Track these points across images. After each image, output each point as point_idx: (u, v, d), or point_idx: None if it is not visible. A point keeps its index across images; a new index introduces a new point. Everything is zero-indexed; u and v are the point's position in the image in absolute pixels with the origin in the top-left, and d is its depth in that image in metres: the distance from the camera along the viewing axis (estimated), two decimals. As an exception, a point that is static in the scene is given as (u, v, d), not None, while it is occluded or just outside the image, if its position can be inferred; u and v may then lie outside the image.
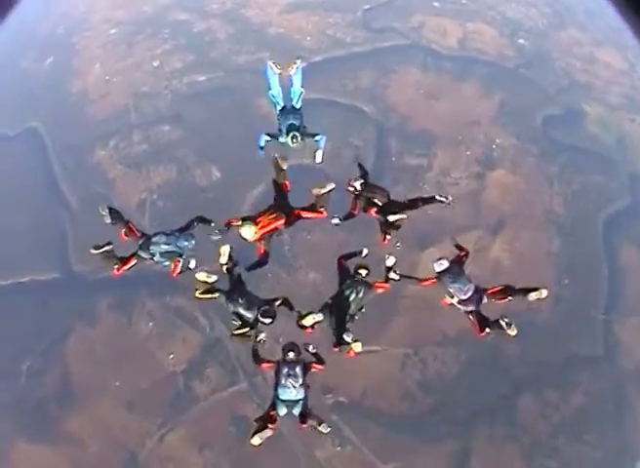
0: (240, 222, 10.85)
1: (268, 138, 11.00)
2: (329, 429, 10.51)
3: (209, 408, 16.32)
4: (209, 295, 10.98)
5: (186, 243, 10.94)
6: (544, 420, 16.70)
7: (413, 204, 11.91)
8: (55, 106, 20.01)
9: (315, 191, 10.92)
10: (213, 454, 16.06)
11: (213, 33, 21.11)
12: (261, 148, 11.03)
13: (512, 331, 10.95)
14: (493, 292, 11.48)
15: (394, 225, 11.47)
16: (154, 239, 11.06)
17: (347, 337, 10.46)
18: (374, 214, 11.55)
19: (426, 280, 11.43)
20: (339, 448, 16.05)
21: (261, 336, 10.71)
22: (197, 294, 10.97)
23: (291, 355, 10.40)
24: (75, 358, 16.75)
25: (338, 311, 10.79)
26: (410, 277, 11.88)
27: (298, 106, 11.54)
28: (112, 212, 10.97)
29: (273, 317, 10.45)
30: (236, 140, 17.10)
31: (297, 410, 10.37)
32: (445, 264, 11.13)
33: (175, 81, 20.03)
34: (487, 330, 11.18)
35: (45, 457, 15.84)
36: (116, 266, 11.28)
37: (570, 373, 17.25)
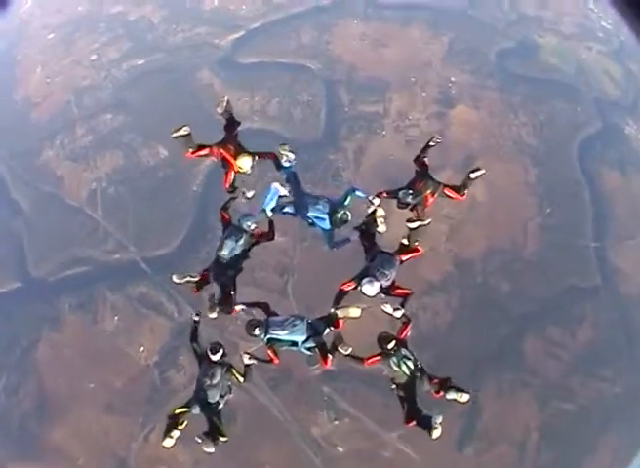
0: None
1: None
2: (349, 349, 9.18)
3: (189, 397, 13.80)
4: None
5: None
6: (554, 361, 14.46)
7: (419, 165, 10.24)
8: (1, 118, 18.16)
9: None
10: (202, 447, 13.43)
11: (147, 18, 19.37)
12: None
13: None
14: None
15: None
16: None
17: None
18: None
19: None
20: (336, 423, 13.79)
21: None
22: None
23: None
24: (47, 367, 14.84)
25: None
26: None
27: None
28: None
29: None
30: (180, 116, 15.09)
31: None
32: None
33: (114, 70, 18.29)
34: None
35: (37, 476, 14.27)
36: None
37: (571, 307, 15.08)
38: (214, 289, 9.84)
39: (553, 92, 17.67)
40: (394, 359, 9.05)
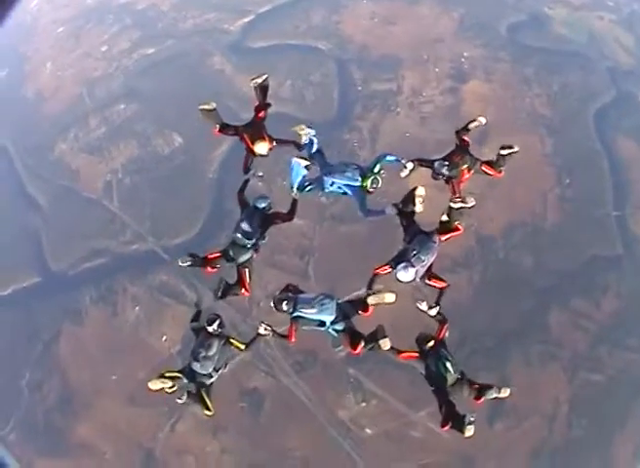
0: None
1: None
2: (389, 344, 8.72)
3: (214, 385, 13.57)
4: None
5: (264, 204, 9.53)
6: (580, 332, 14.16)
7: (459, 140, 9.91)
8: (13, 114, 18.10)
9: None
10: (229, 436, 13.70)
11: (156, 7, 19.31)
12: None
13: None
14: None
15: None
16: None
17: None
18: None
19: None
20: (363, 404, 13.59)
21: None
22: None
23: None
24: (69, 361, 14.71)
25: None
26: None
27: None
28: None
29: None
30: (193, 102, 14.59)
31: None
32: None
33: (124, 60, 18.22)
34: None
35: (66, 471, 14.30)
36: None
37: (594, 278, 14.77)
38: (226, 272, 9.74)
39: (566, 62, 17.35)
40: (432, 360, 8.75)
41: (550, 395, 13.66)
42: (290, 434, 13.36)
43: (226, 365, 9.06)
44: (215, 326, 8.68)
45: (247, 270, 9.43)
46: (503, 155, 9.64)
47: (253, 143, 9.47)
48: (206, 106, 9.33)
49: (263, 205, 9.34)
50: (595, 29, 18.14)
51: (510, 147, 9.60)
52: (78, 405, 14.31)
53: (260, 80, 9.62)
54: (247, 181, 9.96)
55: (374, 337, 8.81)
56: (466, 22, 18.00)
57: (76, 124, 17.32)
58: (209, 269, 9.44)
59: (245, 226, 9.19)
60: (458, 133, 9.91)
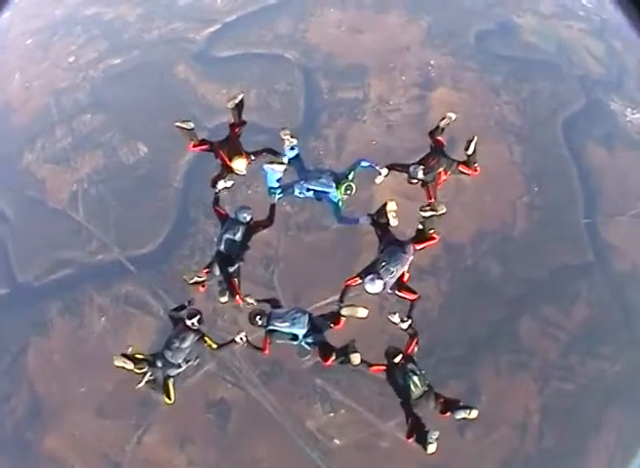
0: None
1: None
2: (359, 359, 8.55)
3: (181, 398, 13.29)
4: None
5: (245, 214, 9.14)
6: (551, 340, 14.04)
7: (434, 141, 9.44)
8: None
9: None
10: (196, 448, 13.57)
11: (123, 18, 19.20)
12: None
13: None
14: None
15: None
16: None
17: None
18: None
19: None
20: (331, 415, 13.42)
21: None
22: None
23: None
24: (37, 373, 14.57)
25: None
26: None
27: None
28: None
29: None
30: (158, 112, 15.56)
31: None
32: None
33: (91, 71, 18.12)
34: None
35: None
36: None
37: (564, 286, 14.65)
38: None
39: (535, 70, 17.29)
40: (400, 373, 8.72)
41: (521, 404, 13.48)
42: (257, 445, 13.19)
43: (197, 358, 8.85)
44: (194, 320, 8.49)
45: (235, 280, 9.44)
46: (470, 154, 9.52)
47: (230, 160, 9.53)
48: (183, 125, 9.08)
49: (248, 217, 9.04)
50: (565, 38, 18.06)
51: (469, 141, 9.44)
52: (47, 417, 14.18)
53: (236, 101, 9.59)
54: (217, 194, 9.93)
55: (344, 352, 8.76)
56: (434, 31, 17.90)
57: (43, 134, 17.21)
58: (200, 288, 9.51)
59: (229, 238, 8.98)
60: (431, 134, 9.77)
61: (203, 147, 9.27)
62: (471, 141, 9.09)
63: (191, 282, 8.95)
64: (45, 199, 16.15)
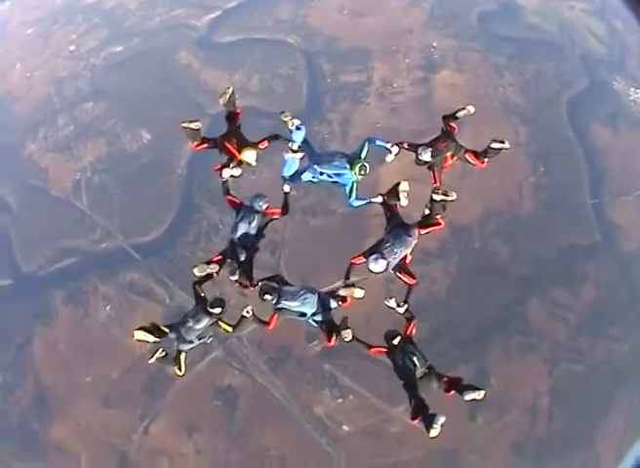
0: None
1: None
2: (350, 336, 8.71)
3: (187, 385, 13.62)
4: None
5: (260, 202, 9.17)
6: (560, 322, 13.86)
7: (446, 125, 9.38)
8: None
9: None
10: (203, 437, 13.43)
11: (124, 6, 19.03)
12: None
13: None
14: None
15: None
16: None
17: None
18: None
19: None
20: (340, 400, 13.27)
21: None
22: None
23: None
24: (43, 363, 14.45)
25: None
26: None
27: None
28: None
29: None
30: (161, 99, 15.35)
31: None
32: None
33: (92, 59, 17.95)
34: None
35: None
36: None
37: (572, 267, 14.48)
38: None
39: (538, 51, 17.10)
40: (400, 354, 8.58)
41: (531, 386, 13.36)
42: (265, 432, 13.07)
43: (211, 336, 8.93)
44: (216, 311, 8.54)
45: (249, 269, 9.22)
46: (493, 148, 9.38)
47: (239, 152, 9.20)
48: (191, 126, 8.88)
49: (264, 205, 9.01)
50: (566, 18, 17.89)
51: (502, 142, 9.31)
52: (53, 407, 14.07)
53: (227, 96, 9.25)
54: (226, 182, 9.74)
55: (337, 330, 8.76)
56: (436, 12, 17.76)
57: (45, 123, 17.08)
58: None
59: (244, 227, 8.92)
60: (445, 118, 9.64)
61: (206, 145, 9.09)
62: (502, 143, 8.97)
63: (202, 273, 8.81)
64: (48, 188, 16.01)
